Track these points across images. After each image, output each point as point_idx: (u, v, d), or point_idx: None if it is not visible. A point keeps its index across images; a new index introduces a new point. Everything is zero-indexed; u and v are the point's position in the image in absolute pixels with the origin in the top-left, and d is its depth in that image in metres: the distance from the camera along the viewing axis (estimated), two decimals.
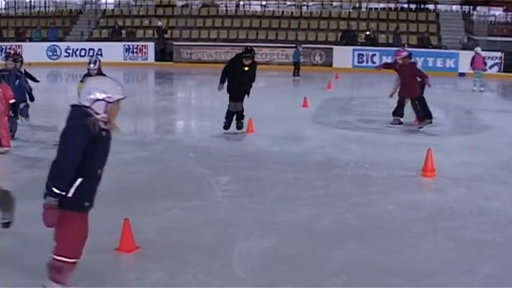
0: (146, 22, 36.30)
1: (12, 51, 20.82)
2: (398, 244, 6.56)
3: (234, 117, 12.90)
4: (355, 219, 7.40)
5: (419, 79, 13.93)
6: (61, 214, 4.70)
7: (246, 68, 12.62)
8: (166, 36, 33.62)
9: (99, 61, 12.61)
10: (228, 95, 12.75)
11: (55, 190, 4.61)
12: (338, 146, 11.77)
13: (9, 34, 34.80)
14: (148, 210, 7.38)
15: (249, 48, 13.35)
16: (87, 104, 4.75)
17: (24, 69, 13.41)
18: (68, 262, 4.92)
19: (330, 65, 30.84)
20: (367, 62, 30.48)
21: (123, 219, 6.13)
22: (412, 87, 13.84)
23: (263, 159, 10.48)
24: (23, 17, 37.42)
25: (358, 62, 29.88)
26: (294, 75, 27.08)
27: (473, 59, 22.57)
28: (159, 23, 33.74)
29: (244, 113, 12.91)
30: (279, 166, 9.98)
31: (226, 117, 12.78)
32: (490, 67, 29.54)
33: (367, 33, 32.61)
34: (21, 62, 13.18)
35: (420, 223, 7.29)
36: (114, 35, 33.95)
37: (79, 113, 4.75)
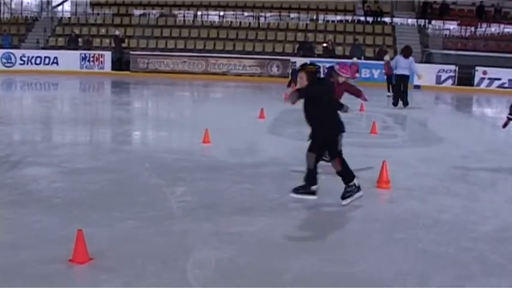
0: (103, 31, 36.11)
1: None
2: (353, 255, 6.59)
3: None
4: (310, 231, 7.43)
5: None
6: None
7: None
8: (123, 45, 33.48)
9: None
10: None
11: None
12: (294, 158, 11.78)
13: None
14: (102, 220, 7.30)
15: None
16: None
17: None
18: None
19: (287, 76, 30.92)
20: (323, 74, 30.64)
21: (76, 230, 6.05)
22: None
23: (219, 171, 10.46)
24: None
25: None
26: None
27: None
28: (117, 32, 33.59)
29: None
30: (235, 177, 9.97)
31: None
32: (445, 80, 30.06)
33: (325, 45, 32.86)
34: None
35: (374, 234, 7.34)
36: (71, 43, 33.69)
37: None
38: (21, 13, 38.44)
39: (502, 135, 14.96)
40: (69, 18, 37.97)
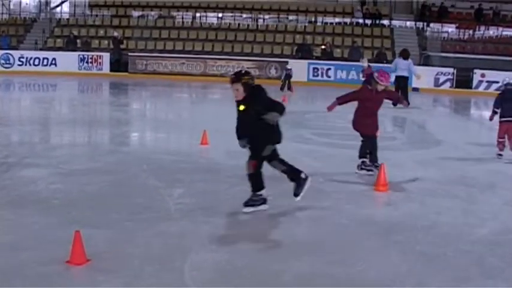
0: (102, 32, 36.10)
1: None
2: (351, 257, 6.58)
3: None
4: (309, 233, 7.42)
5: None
6: None
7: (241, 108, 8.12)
8: (121, 46, 33.47)
9: None
10: None
11: None
12: (292, 160, 11.70)
13: None
14: (100, 222, 7.29)
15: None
16: None
17: None
18: None
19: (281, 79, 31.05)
20: (322, 76, 30.77)
21: (74, 231, 6.05)
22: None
23: (217, 172, 10.45)
24: None
25: (313, 76, 30.09)
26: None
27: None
28: (115, 34, 33.59)
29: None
30: (233, 179, 9.95)
31: None
32: (443, 83, 30.07)
33: (323, 47, 32.89)
34: None
35: (373, 237, 7.34)
36: (69, 45, 33.67)
37: None
38: (20, 14, 38.43)
39: None
40: (68, 19, 37.96)
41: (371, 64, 20.52)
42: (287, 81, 27.37)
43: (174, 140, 13.69)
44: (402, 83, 22.37)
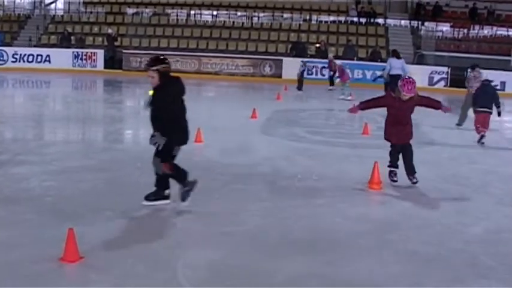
0: (96, 29, 36.05)
1: None
2: (344, 256, 6.59)
3: None
4: (302, 231, 7.42)
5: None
6: None
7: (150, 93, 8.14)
8: (116, 43, 33.41)
9: None
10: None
11: None
12: (286, 158, 11.80)
13: None
14: (93, 219, 7.28)
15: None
16: None
17: None
18: None
19: (280, 76, 31.05)
20: (316, 74, 30.76)
21: (67, 229, 6.04)
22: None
23: (211, 170, 10.44)
24: None
25: (308, 74, 30.05)
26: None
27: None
28: (109, 31, 33.55)
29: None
30: (226, 177, 9.96)
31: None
32: (437, 82, 30.10)
33: (318, 45, 32.89)
34: None
35: (366, 235, 7.34)
36: (63, 41, 33.59)
37: None
38: (14, 10, 38.31)
39: (494, 138, 14.98)
40: (62, 16, 37.87)
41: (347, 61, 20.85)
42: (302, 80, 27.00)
43: None
44: (396, 80, 22.46)
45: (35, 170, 9.85)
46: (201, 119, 13.07)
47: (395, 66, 23.67)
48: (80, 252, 6.00)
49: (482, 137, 14.39)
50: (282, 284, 5.76)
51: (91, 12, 37.79)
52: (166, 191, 8.13)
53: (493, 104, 14.85)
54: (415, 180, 9.82)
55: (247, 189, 9.28)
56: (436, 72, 30.36)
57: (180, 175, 8.00)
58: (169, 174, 7.95)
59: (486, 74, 17.03)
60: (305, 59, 28.72)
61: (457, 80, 29.98)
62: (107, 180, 9.51)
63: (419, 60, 32.12)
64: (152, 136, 7.92)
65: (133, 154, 11.65)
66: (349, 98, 23.05)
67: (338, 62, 26.35)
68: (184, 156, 11.57)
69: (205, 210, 8.00)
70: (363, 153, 12.28)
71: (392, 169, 10.03)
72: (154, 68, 7.68)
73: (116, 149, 12.48)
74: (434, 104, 10.19)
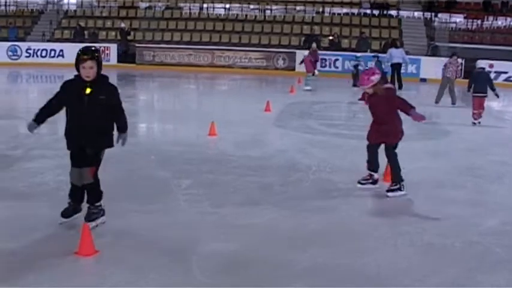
0: (109, 23, 36.10)
1: None
2: (359, 248, 6.57)
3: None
4: (317, 224, 7.40)
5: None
6: None
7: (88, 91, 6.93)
8: (129, 38, 33.47)
9: None
10: None
11: None
12: (300, 151, 11.78)
13: None
14: (108, 213, 7.28)
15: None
16: None
17: None
18: None
19: (293, 69, 30.96)
20: (329, 67, 30.69)
21: (82, 223, 6.05)
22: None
23: (225, 163, 10.45)
24: None
25: (321, 67, 29.98)
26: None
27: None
28: (122, 25, 33.60)
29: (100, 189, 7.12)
30: (241, 170, 9.96)
31: (69, 195, 7.03)
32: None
33: (331, 38, 32.80)
34: None
35: (381, 227, 7.32)
36: (77, 36, 33.64)
37: None
38: (27, 6, 38.43)
39: (508, 129, 14.92)
40: (75, 11, 37.96)
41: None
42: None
43: (182, 131, 13.67)
44: (396, 68, 25.78)
45: (49, 165, 9.87)
46: (215, 112, 13.11)
47: (395, 55, 25.61)
48: (95, 246, 6.01)
49: (475, 123, 16.19)
50: (299, 276, 5.75)
51: (104, 7, 37.86)
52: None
53: (489, 89, 16.45)
54: (391, 189, 8.80)
55: (261, 182, 9.27)
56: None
57: (98, 193, 6.98)
58: (87, 182, 6.82)
59: (486, 64, 19.24)
60: (358, 54, 28.02)
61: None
62: (120, 174, 9.51)
63: (433, 51, 31.96)
64: (101, 149, 7.16)
65: (147, 147, 11.66)
66: (308, 88, 23.49)
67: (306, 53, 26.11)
68: (198, 150, 11.65)
69: (219, 203, 8.00)
70: None
71: (370, 172, 9.20)
72: (94, 58, 6.95)
73: (130, 143, 12.37)
74: (406, 109, 8.90)
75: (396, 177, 8.84)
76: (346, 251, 6.44)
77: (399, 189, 8.76)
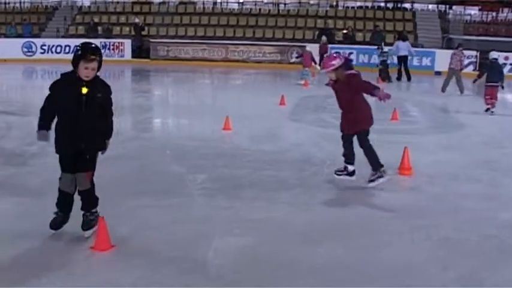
0: (123, 19, 36.19)
1: None
2: (374, 242, 6.56)
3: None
4: (332, 218, 7.40)
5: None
6: None
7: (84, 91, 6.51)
8: (143, 33, 33.54)
9: None
10: None
11: None
12: (315, 144, 11.77)
13: None
14: (123, 208, 7.32)
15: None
16: None
17: None
18: None
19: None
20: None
21: (98, 218, 6.07)
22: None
23: (240, 157, 10.46)
24: None
25: None
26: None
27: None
28: (136, 20, 33.66)
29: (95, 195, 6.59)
30: (255, 164, 9.96)
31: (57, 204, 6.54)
32: (466, 66, 29.79)
33: (345, 31, 32.72)
34: None
35: (396, 221, 7.31)
36: (91, 32, 33.75)
37: None
38: (41, 2, 38.61)
39: None
40: (89, 6, 38.09)
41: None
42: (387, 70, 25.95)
43: (197, 126, 13.69)
44: (403, 61, 26.64)
45: None
46: (230, 107, 13.13)
47: (402, 48, 26.38)
48: (111, 241, 6.03)
49: (489, 109, 16.69)
50: (313, 271, 5.74)
51: (118, 2, 37.97)
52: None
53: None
54: (371, 179, 8.66)
55: (276, 176, 9.27)
56: (464, 56, 30.03)
57: (95, 199, 6.55)
58: (85, 188, 6.42)
59: (498, 54, 18.58)
60: (386, 48, 26.62)
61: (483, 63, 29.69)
62: (136, 169, 9.56)
63: (448, 44, 31.79)
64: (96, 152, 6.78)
65: (161, 142, 11.71)
66: (302, 82, 23.33)
67: (308, 49, 25.81)
68: (213, 144, 11.66)
69: (234, 197, 8.02)
70: (393, 138, 12.19)
71: (345, 164, 8.86)
72: (98, 55, 6.50)
73: (145, 138, 12.52)
74: (370, 90, 8.57)
75: (375, 166, 8.70)
76: (362, 246, 6.42)
77: (380, 176, 8.65)
